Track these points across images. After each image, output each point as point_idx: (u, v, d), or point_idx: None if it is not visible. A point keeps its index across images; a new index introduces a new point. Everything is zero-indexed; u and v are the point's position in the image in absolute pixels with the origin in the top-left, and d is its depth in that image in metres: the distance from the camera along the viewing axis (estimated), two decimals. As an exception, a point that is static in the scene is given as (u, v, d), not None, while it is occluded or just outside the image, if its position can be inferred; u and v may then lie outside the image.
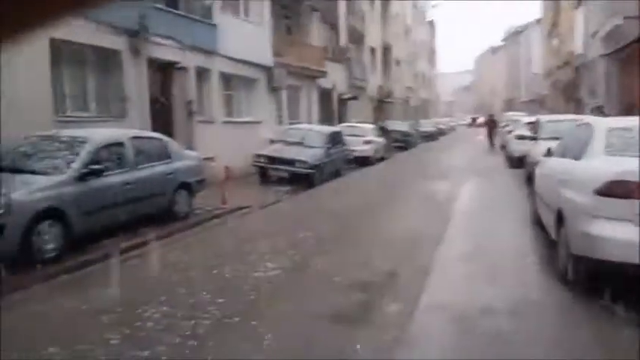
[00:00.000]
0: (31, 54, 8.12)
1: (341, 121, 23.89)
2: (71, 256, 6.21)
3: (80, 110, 9.57)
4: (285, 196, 11.64)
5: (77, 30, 8.92)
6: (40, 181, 6.20)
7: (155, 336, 4.01)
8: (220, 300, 4.77)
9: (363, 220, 8.75)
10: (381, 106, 33.12)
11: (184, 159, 8.83)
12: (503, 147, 15.31)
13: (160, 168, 8.11)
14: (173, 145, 8.87)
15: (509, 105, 54.46)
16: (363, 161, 17.98)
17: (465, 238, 7.23)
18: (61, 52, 8.92)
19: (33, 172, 6.37)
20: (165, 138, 8.91)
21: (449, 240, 6.98)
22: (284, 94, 18.41)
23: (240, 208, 9.84)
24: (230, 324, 4.20)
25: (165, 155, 8.39)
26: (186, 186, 8.63)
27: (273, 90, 17.15)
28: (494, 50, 77.31)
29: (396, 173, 17.07)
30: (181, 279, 5.55)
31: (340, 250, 6.81)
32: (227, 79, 14.55)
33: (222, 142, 13.05)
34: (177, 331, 4.07)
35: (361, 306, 4.61)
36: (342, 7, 25.49)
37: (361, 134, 18.99)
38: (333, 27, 24.80)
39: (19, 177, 6.18)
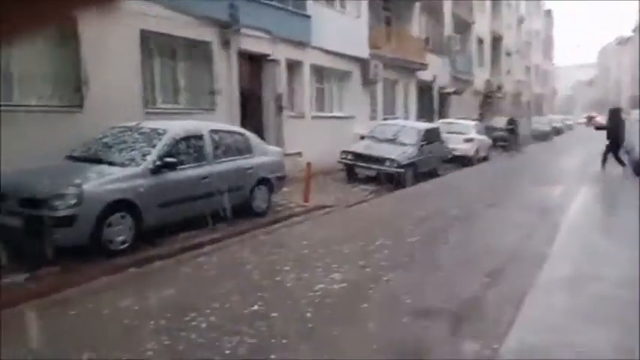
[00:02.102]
0: (122, 46, 8.29)
1: (442, 116, 22.60)
2: (141, 250, 6.16)
3: (170, 102, 9.70)
4: (371, 196, 10.99)
5: (167, 21, 9.01)
6: (114, 172, 6.19)
7: (191, 352, 3.65)
8: (273, 314, 4.32)
9: (453, 230, 7.86)
10: (488, 101, 30.98)
11: (265, 154, 8.55)
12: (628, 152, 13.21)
13: (239, 162, 7.90)
14: (254, 139, 8.62)
15: (636, 102, 48.61)
16: (463, 161, 16.74)
17: (574, 260, 6.09)
18: (151, 44, 9.06)
19: (110, 163, 6.40)
20: (246, 132, 8.70)
21: (553, 261, 5.91)
22: (379, 88, 17.69)
23: (322, 207, 9.39)
24: (273, 347, 3.72)
25: (245, 149, 8.17)
26: (265, 182, 8.34)
27: (368, 83, 16.50)
28: (621, 42, 69.73)
29: (499, 176, 15.62)
30: (241, 283, 5.21)
31: (419, 264, 6.06)
32: (319, 72, 14.18)
33: (312, 137, 12.72)
34: (216, 348, 3.68)
35: (426, 341, 3.89)
36: (447, -4, 24.07)
37: (462, 131, 17.70)
38: (437, 17, 23.49)
39: (95, 167, 6.23)
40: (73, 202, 5.55)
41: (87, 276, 5.32)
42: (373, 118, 16.99)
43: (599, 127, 16.27)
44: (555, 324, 4.18)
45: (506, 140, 22.53)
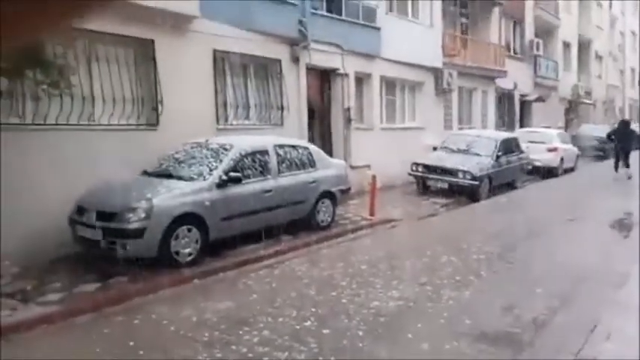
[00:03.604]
0: (196, 66, 8.71)
1: (523, 125, 21.48)
2: (206, 262, 6.37)
3: (240, 118, 10.02)
4: (442, 210, 10.64)
5: (239, 41, 9.35)
6: (182, 186, 6.48)
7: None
8: (325, 331, 4.29)
9: (527, 247, 7.39)
10: (576, 108, 29.03)
11: (329, 167, 8.58)
12: None
13: (302, 176, 7.98)
14: (318, 153, 8.68)
15: None
16: (545, 172, 15.77)
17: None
18: (223, 63, 9.44)
19: (179, 178, 6.71)
20: (310, 146, 8.79)
21: (634, 284, 5.36)
22: (454, 97, 17.17)
23: (388, 221, 9.24)
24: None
25: (309, 163, 8.24)
26: (329, 195, 8.35)
27: (441, 93, 16.08)
28: None
29: (585, 189, 14.51)
30: (298, 297, 5.23)
31: (484, 284, 5.75)
32: (389, 83, 14.03)
33: (381, 149, 12.58)
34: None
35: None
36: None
37: (544, 141, 16.70)
38: (517, 21, 22.46)
39: (165, 182, 6.56)
40: (143, 215, 5.88)
41: (154, 286, 5.60)
42: (447, 128, 16.50)
43: (608, 136, 16.93)
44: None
45: (601, 150, 20.85)
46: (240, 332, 4.29)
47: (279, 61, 10.51)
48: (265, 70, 10.45)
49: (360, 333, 4.24)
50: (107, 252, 5.90)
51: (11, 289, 5.12)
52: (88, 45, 7.16)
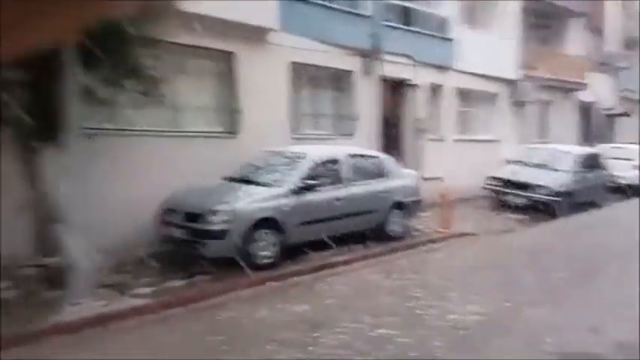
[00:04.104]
0: (273, 78, 9.04)
1: (606, 141, 20.31)
2: (283, 265, 6.56)
3: (314, 128, 10.27)
4: (518, 226, 10.27)
5: (314, 53, 9.61)
6: (261, 192, 6.73)
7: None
8: (400, 340, 4.29)
9: (608, 268, 6.99)
10: (665, 123, 27.01)
11: (401, 178, 8.57)
12: None
13: (374, 186, 8.03)
14: (390, 163, 8.70)
15: None
16: (632, 191, 14.80)
17: None
18: (299, 75, 9.72)
19: (258, 184, 6.98)
20: (382, 156, 8.83)
21: None
22: (531, 110, 16.57)
23: (462, 235, 9.06)
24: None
25: (381, 173, 8.29)
26: (401, 206, 8.34)
27: (517, 105, 15.59)
28: None
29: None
30: (373, 305, 5.26)
31: (565, 303, 5.50)
32: (462, 95, 13.81)
33: (453, 161, 12.39)
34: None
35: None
36: (612, 9, 21.80)
37: (630, 157, 15.70)
38: (599, 32, 21.37)
39: (245, 188, 6.84)
40: (225, 218, 6.17)
41: (234, 285, 5.84)
42: (523, 141, 15.93)
43: None
44: None
45: None
46: (317, 335, 4.39)
47: (352, 72, 10.68)
48: (338, 81, 10.65)
49: (438, 344, 4.20)
50: (191, 251, 6.23)
51: (108, 281, 5.52)
52: (175, 57, 7.65)
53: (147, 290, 5.54)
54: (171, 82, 7.08)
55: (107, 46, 5.56)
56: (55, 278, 5.41)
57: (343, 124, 10.67)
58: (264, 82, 8.80)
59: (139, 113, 6.74)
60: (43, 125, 4.98)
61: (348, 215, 7.44)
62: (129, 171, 6.76)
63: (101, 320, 4.76)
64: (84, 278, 5.15)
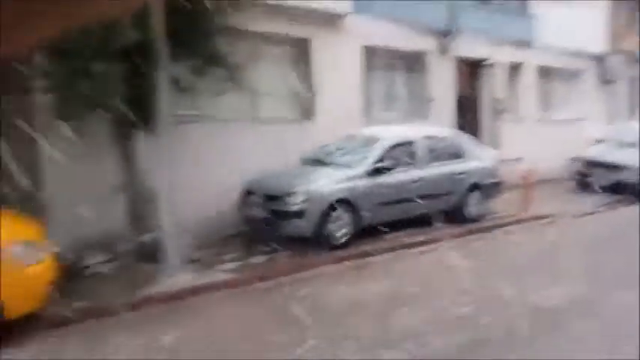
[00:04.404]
0: (347, 62, 9.10)
1: None
2: (357, 245, 6.67)
3: (388, 111, 10.22)
4: (603, 208, 9.70)
5: (388, 36, 9.54)
6: (337, 174, 6.86)
7: (401, 341, 3.87)
8: (485, 319, 4.26)
9: None
10: None
11: (479, 159, 8.37)
12: None
13: (450, 167, 7.91)
14: (468, 144, 8.51)
15: None
16: None
17: None
18: (372, 58, 9.70)
19: (334, 166, 7.11)
20: (459, 137, 8.65)
21: None
22: (621, 87, 15.44)
23: (543, 217, 8.71)
24: (482, 350, 3.69)
25: (458, 154, 8.14)
26: (478, 187, 8.15)
27: (605, 82, 14.57)
28: None
29: None
30: (452, 285, 5.24)
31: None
32: (544, 73, 13.11)
33: (534, 142, 11.85)
34: (427, 343, 3.82)
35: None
36: None
37: None
38: None
39: (321, 170, 7.01)
40: (302, 198, 6.37)
41: (312, 263, 6.05)
42: (611, 120, 14.91)
43: None
44: None
45: None
46: (399, 312, 4.47)
47: (427, 53, 10.49)
48: (412, 62, 10.50)
49: (523, 325, 4.14)
50: (270, 230, 6.50)
51: (196, 257, 5.91)
52: (253, 45, 7.91)
53: (232, 265, 5.88)
54: (250, 69, 7.36)
55: (192, 36, 5.90)
56: (149, 253, 5.87)
57: (418, 106, 10.54)
58: (337, 66, 8.88)
59: (220, 100, 7.07)
60: (138, 113, 5.39)
61: (423, 197, 7.39)
62: (212, 155, 7.13)
63: (193, 292, 5.12)
64: (174, 253, 5.55)
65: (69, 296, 4.68)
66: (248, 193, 6.84)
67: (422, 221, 7.39)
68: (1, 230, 4.24)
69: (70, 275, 4.98)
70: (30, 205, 5.25)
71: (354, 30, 9.01)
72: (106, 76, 4.88)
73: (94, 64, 4.82)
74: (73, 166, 5.95)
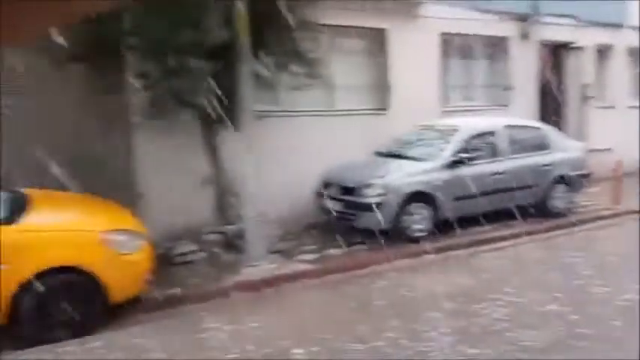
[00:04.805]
0: (423, 51, 8.94)
1: None
2: (436, 239, 6.59)
3: (466, 100, 9.95)
4: None
5: (466, 22, 9.26)
6: (414, 166, 6.80)
7: (483, 337, 3.81)
8: (573, 316, 4.09)
9: None
10: None
11: (565, 150, 7.95)
12: None
13: (535, 159, 7.58)
14: (553, 134, 8.10)
15: None
16: None
17: None
18: (449, 46, 9.46)
19: (410, 159, 7.05)
20: (544, 127, 8.25)
21: None
22: None
23: (634, 212, 8.14)
24: (573, 347, 3.55)
25: (542, 145, 7.78)
26: (564, 180, 7.76)
27: None
28: None
29: None
30: (537, 281, 5.08)
31: None
32: (635, 56, 12.14)
33: (625, 131, 11.06)
34: (509, 338, 3.74)
35: None
36: None
37: None
38: None
39: (398, 162, 6.97)
40: (379, 191, 6.38)
41: (389, 256, 6.06)
42: None
43: None
44: None
45: None
46: (480, 307, 4.40)
47: (507, 38, 10.07)
48: (492, 49, 10.13)
49: (616, 323, 3.94)
50: (347, 222, 6.58)
51: (276, 247, 6.12)
52: (330, 38, 7.98)
53: (310, 257, 6.03)
54: (327, 63, 7.44)
55: (272, 33, 6.07)
56: (233, 243, 6.16)
57: (497, 94, 10.17)
58: (414, 55, 8.76)
59: (298, 95, 7.21)
60: (223, 109, 5.63)
61: (505, 190, 7.15)
62: (291, 149, 7.30)
63: (274, 281, 5.32)
64: (257, 244, 5.78)
65: (162, 283, 5.03)
66: (325, 185, 6.95)
67: (503, 215, 7.16)
68: (105, 219, 4.64)
69: (163, 263, 5.34)
70: (127, 196, 5.67)
71: (432, 18, 8.84)
72: (197, 74, 5.14)
73: (186, 64, 5.10)
74: (165, 159, 6.36)
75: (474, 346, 3.66)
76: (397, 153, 7.30)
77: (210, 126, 6.19)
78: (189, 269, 5.70)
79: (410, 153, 7.21)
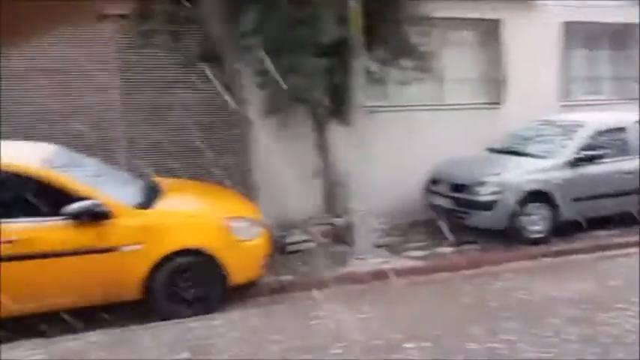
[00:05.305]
0: (541, 41, 8.41)
1: None
2: (555, 242, 6.20)
3: (588, 93, 9.21)
4: None
5: (589, 9, 8.56)
6: (532, 164, 6.44)
7: (610, 347, 3.52)
8: None
9: None
10: None
11: None
12: None
13: (672, 158, 6.81)
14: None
15: None
16: None
17: None
18: (571, 34, 8.79)
19: (527, 155, 6.68)
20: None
21: None
22: None
23: None
24: None
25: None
26: None
27: None
28: None
29: None
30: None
31: None
32: None
33: None
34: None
35: None
36: None
37: None
38: None
39: (514, 159, 6.65)
40: (493, 189, 6.13)
41: (503, 258, 5.81)
42: None
43: None
44: None
45: None
46: (607, 315, 4.06)
47: (636, 25, 9.13)
48: (619, 38, 9.26)
49: None
50: (457, 221, 6.40)
51: (383, 242, 6.13)
52: (441, 31, 7.79)
53: (418, 253, 5.97)
54: (438, 56, 7.29)
55: (384, 28, 6.08)
56: (340, 235, 6.27)
57: (625, 87, 9.28)
58: (531, 46, 8.27)
59: (408, 89, 7.13)
60: (335, 104, 5.76)
61: (633, 192, 6.52)
62: (399, 144, 7.26)
63: (382, 275, 5.33)
64: (364, 237, 5.84)
65: (275, 270, 5.27)
66: (434, 181, 6.82)
67: (630, 219, 6.53)
68: (228, 207, 4.96)
69: (275, 251, 5.58)
70: (242, 187, 6.01)
71: (551, 6, 8.28)
72: (312, 71, 5.30)
73: (302, 61, 5.29)
74: (278, 153, 6.64)
75: (604, 357, 3.40)
76: (513, 149, 6.96)
77: (321, 121, 6.35)
78: (299, 258, 5.90)
79: (527, 149, 6.83)
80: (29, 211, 4.06)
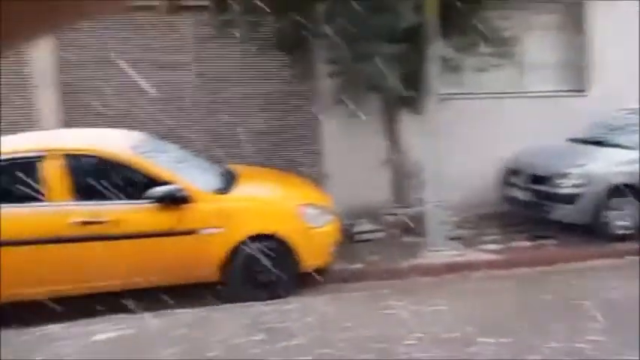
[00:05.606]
0: (632, 25, 7.78)
1: None
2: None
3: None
4: None
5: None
6: (620, 155, 6.01)
7: None
8: None
9: None
10: None
11: None
12: None
13: None
14: None
15: None
16: None
17: None
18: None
19: (614, 146, 6.25)
20: None
21: None
22: None
23: None
24: None
25: None
26: None
27: None
28: None
29: None
30: None
31: None
32: None
33: None
34: None
35: None
36: None
37: None
38: None
39: (601, 150, 6.24)
40: (576, 181, 5.78)
41: (585, 254, 5.49)
42: None
43: None
44: None
45: None
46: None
47: None
48: None
49: None
50: (536, 214, 6.11)
51: (456, 234, 5.97)
52: (522, 16, 7.40)
53: (494, 247, 5.76)
54: (518, 42, 6.93)
55: (461, 13, 5.85)
56: (411, 226, 6.16)
57: None
58: (617, 30, 7.66)
59: (485, 76, 6.85)
60: (408, 92, 5.63)
61: None
62: (475, 133, 7.00)
63: (455, 268, 5.21)
64: (437, 229, 5.70)
65: (344, 258, 5.28)
66: (512, 172, 6.53)
67: None
68: (300, 194, 5.02)
69: (344, 239, 5.59)
70: (315, 174, 6.06)
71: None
72: (386, 59, 5.22)
73: (376, 49, 5.21)
74: (348, 142, 6.62)
75: None
76: (598, 139, 6.53)
77: (392, 109, 6.25)
78: (368, 247, 5.87)
79: (614, 140, 6.38)
80: (119, 194, 4.31)
